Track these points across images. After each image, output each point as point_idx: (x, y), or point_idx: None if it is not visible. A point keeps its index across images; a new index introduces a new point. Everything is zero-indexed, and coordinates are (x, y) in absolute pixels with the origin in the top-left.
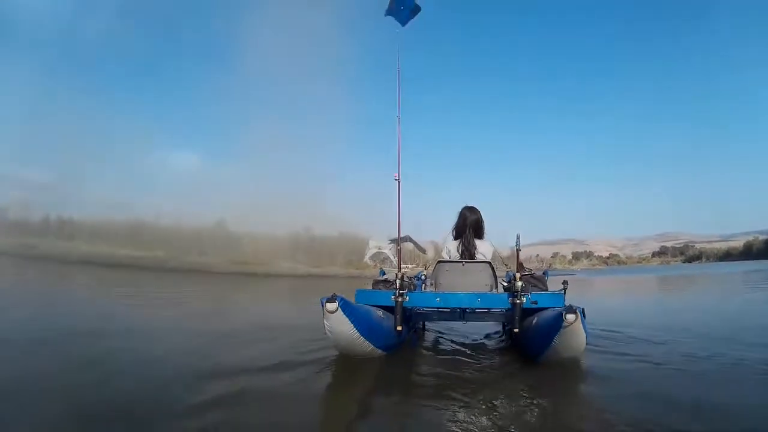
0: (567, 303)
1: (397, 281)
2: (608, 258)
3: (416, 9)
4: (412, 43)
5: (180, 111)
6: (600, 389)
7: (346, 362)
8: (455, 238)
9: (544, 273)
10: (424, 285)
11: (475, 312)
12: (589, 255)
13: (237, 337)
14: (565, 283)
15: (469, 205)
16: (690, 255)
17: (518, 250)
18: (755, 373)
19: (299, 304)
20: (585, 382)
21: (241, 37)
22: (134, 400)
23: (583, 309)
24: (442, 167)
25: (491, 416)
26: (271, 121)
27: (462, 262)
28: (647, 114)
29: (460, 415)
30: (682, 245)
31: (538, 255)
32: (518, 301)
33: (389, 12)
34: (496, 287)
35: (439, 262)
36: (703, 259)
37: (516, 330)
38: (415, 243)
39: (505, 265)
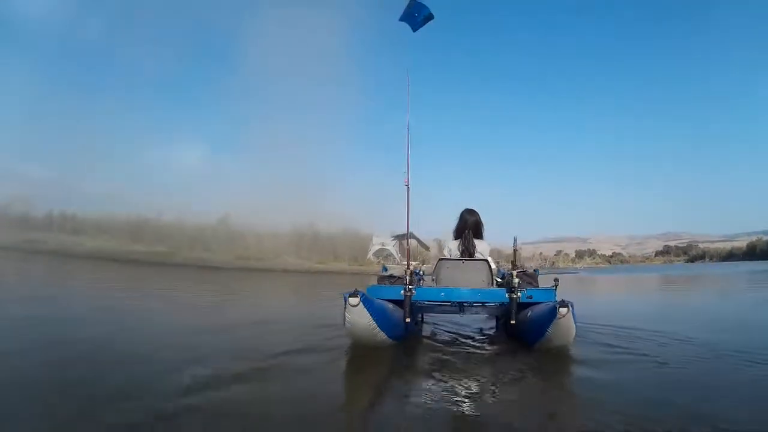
0: (558, 298)
1: (407, 277)
2: (611, 256)
3: (429, 17)
4: (416, 43)
5: (186, 108)
6: (596, 380)
7: (359, 349)
8: (456, 238)
9: (534, 270)
10: (422, 280)
11: (472, 305)
12: (592, 253)
13: (265, 326)
14: (556, 280)
15: (469, 207)
16: (693, 255)
17: (515, 250)
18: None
19: (310, 299)
20: (580, 370)
21: (246, 33)
22: (179, 376)
23: (572, 303)
24: (443, 166)
25: (492, 391)
26: (276, 118)
27: (462, 259)
28: (651, 113)
29: (463, 390)
30: (685, 245)
31: (541, 253)
32: (515, 296)
33: (403, 17)
34: (492, 283)
35: (441, 259)
36: (706, 259)
37: (513, 321)
38: (418, 240)
39: (497, 262)
